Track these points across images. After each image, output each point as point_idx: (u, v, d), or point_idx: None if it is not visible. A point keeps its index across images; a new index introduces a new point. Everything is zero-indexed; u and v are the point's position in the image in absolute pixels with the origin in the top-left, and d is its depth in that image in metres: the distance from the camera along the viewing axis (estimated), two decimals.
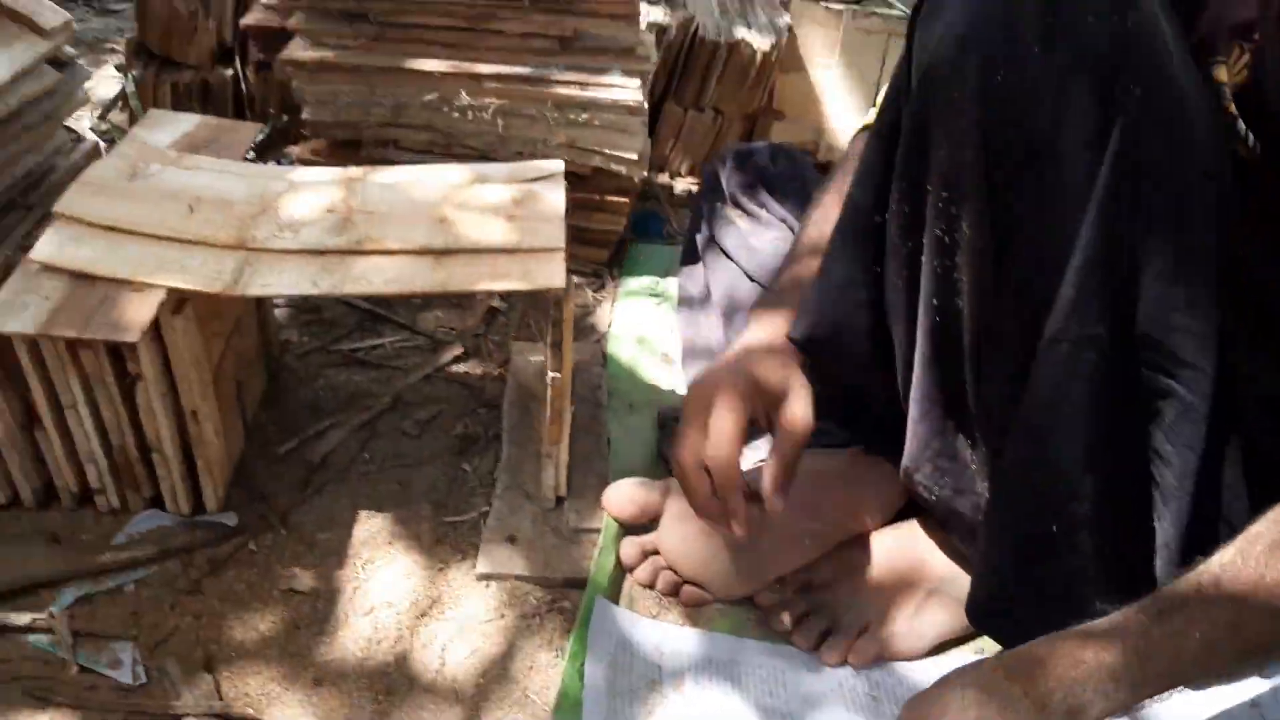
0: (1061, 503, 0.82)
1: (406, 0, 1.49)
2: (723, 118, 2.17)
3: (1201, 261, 0.77)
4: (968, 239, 0.80)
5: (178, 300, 1.02)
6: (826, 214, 1.08)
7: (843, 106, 2.20)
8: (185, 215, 1.08)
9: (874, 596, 1.08)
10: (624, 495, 1.19)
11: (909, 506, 1.14)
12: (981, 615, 0.96)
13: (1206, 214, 0.77)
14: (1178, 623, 0.73)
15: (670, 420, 1.41)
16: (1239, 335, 0.80)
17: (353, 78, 1.52)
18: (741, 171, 1.68)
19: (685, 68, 2.09)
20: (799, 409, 0.97)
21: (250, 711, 0.99)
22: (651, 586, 1.16)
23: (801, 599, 1.11)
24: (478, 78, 1.52)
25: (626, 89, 1.55)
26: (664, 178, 2.20)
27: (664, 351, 1.61)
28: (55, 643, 1.04)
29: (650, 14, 1.98)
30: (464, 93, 1.52)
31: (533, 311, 1.65)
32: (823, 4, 2.22)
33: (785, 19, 2.17)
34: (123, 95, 1.90)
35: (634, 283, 1.78)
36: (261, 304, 1.34)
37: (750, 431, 1.32)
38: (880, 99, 1.19)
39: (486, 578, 1.15)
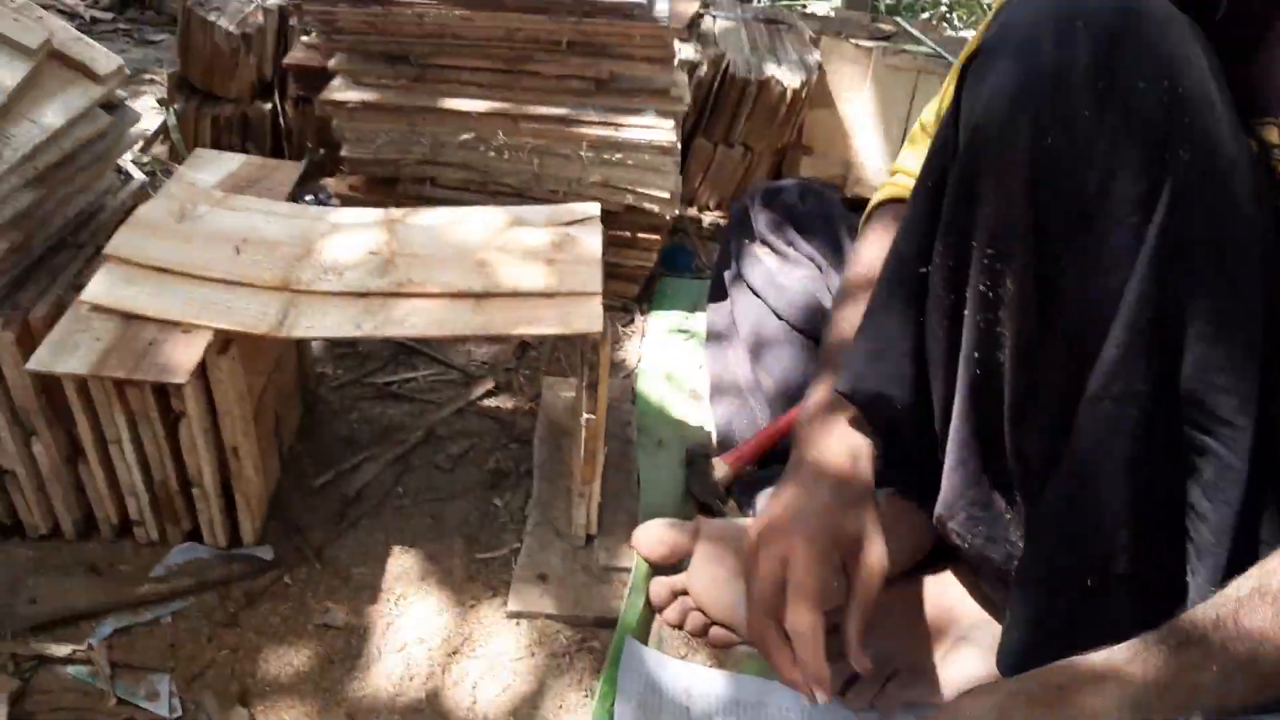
0: (1099, 557, 0.83)
1: (446, 42, 1.52)
2: (752, 153, 2.19)
3: (1245, 322, 0.78)
4: (1012, 294, 0.82)
5: (224, 340, 1.04)
6: (855, 299, 1.10)
7: (871, 142, 2.22)
8: (232, 257, 1.10)
9: (903, 642, 1.09)
10: (654, 536, 1.20)
11: (937, 551, 1.15)
12: (1012, 665, 0.96)
13: (1251, 275, 0.78)
14: (1195, 655, 0.74)
15: (699, 457, 1.42)
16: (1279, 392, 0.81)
17: (392, 117, 1.55)
18: (770, 209, 1.70)
19: (715, 104, 2.12)
20: (877, 558, 0.96)
21: None
22: (680, 627, 1.17)
23: (830, 643, 1.11)
24: (515, 118, 1.54)
25: (660, 130, 1.57)
26: (692, 211, 2.22)
27: (692, 388, 1.62)
28: (94, 674, 1.06)
29: (681, 51, 2.01)
30: (501, 133, 1.54)
31: (563, 346, 1.67)
32: (852, 41, 2.24)
33: (815, 56, 2.20)
34: (164, 128, 1.94)
35: (663, 318, 1.80)
36: (301, 340, 1.36)
37: (760, 475, 1.34)
38: (903, 151, 1.21)
39: (517, 615, 1.16)
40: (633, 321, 1.80)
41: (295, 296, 1.08)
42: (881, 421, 1.00)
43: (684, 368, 1.67)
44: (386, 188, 1.65)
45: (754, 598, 0.96)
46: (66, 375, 0.98)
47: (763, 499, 1.29)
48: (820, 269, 1.60)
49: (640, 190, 1.63)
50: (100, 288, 1.03)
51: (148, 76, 2.53)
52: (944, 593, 1.11)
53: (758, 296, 1.61)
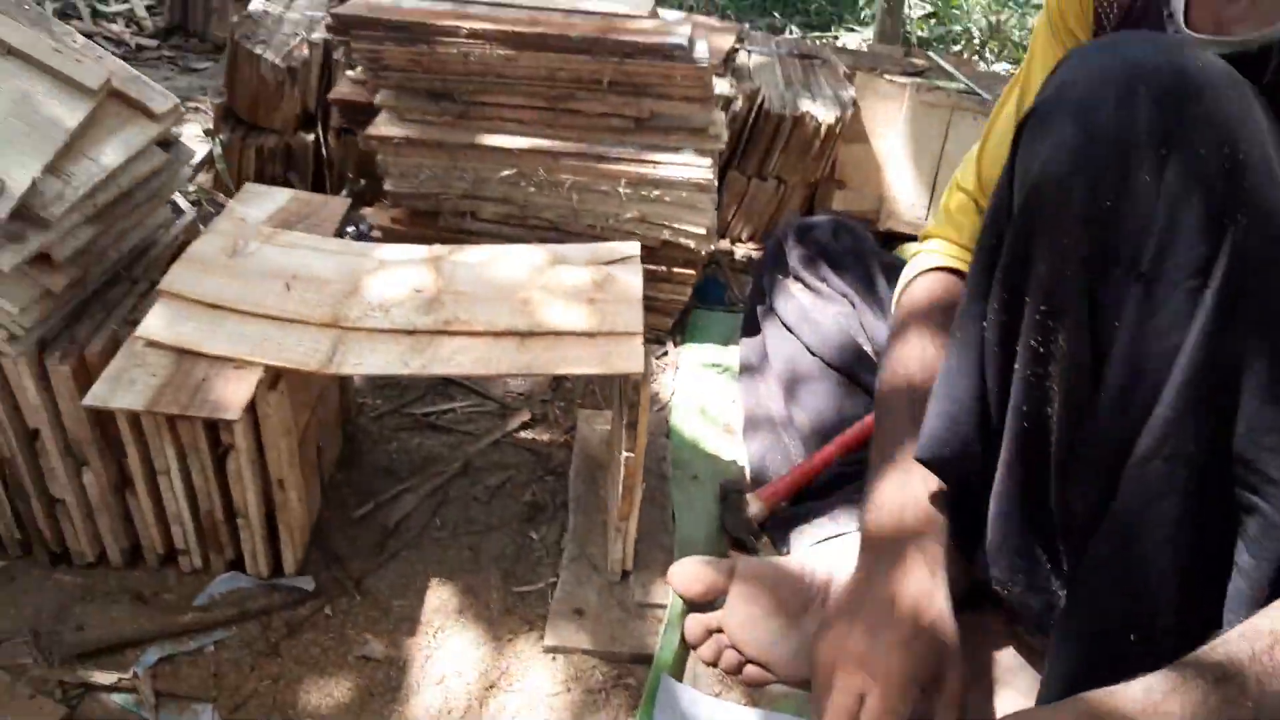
0: (1144, 613, 0.83)
1: (490, 81, 1.55)
2: (785, 186, 2.21)
3: None
4: (1064, 352, 0.83)
5: (273, 376, 1.06)
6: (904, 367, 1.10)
7: (905, 177, 2.23)
8: (282, 293, 1.13)
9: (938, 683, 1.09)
10: (690, 573, 1.21)
11: (972, 590, 1.15)
12: None
13: None
14: (1232, 691, 0.74)
15: (732, 493, 1.43)
16: None
17: (435, 153, 1.57)
18: (803, 245, 1.71)
19: (750, 138, 2.14)
20: (957, 686, 0.96)
21: None
22: (715, 664, 1.17)
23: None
24: (555, 155, 1.57)
25: (698, 167, 1.59)
26: (725, 243, 2.24)
27: (725, 422, 1.64)
28: (139, 703, 1.08)
29: (717, 86, 2.03)
30: (541, 169, 1.57)
31: (598, 379, 1.68)
32: (886, 77, 2.26)
33: (849, 91, 2.21)
34: (210, 158, 1.98)
35: (696, 351, 1.81)
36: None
37: (794, 512, 1.35)
38: (937, 215, 1.22)
39: (554, 650, 1.17)
40: (666, 354, 1.81)
41: (344, 333, 1.10)
42: (955, 481, 1.00)
43: (718, 402, 1.68)
44: (427, 220, 1.67)
45: None
46: (122, 410, 1.01)
47: (796, 537, 1.30)
48: (853, 305, 1.61)
49: (677, 226, 1.65)
50: (155, 324, 1.06)
51: (192, 104, 2.58)
52: (981, 636, 1.11)
53: (791, 332, 1.62)
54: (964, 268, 1.16)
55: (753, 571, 1.19)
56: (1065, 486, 0.88)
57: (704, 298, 1.99)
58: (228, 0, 2.99)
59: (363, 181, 2.02)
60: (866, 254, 1.71)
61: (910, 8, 3.40)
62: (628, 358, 1.10)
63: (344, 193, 2.03)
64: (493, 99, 1.57)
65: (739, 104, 2.10)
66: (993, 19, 3.79)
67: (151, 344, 1.05)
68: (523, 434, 1.56)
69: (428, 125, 1.58)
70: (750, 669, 1.15)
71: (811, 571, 1.19)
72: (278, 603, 1.20)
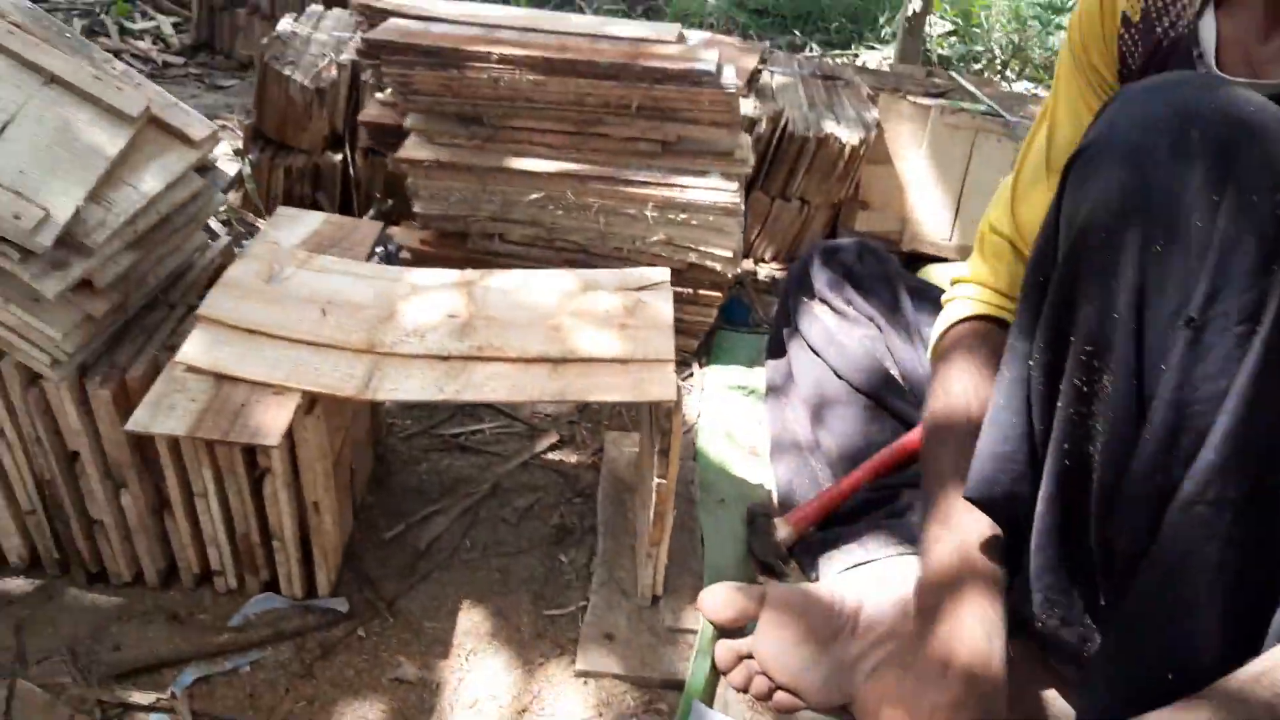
0: (1185, 654, 0.83)
1: (519, 105, 1.56)
2: (809, 207, 2.21)
3: None
4: (1108, 393, 0.83)
5: (310, 400, 1.08)
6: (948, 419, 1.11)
7: (928, 198, 2.23)
8: (318, 319, 1.14)
9: None
10: (721, 599, 1.21)
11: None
12: None
13: None
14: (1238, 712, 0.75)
15: (760, 517, 1.43)
16: None
17: (464, 176, 1.59)
18: (829, 268, 1.72)
19: (774, 159, 2.15)
20: None
21: None
22: (745, 691, 1.17)
23: None
24: (583, 178, 1.58)
25: (724, 191, 1.60)
26: (748, 264, 2.25)
27: (751, 445, 1.64)
28: None
29: (741, 108, 2.04)
30: (569, 192, 1.58)
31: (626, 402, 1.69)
32: (910, 99, 2.27)
33: (873, 113, 2.22)
34: (239, 177, 2.00)
35: (721, 372, 1.82)
36: None
37: (822, 538, 1.35)
38: (971, 259, 1.22)
39: (585, 675, 1.18)
40: (691, 375, 1.82)
41: (379, 359, 1.11)
42: (1004, 520, 1.00)
43: (743, 424, 1.69)
44: (455, 242, 1.69)
45: None
46: (162, 435, 1.02)
47: (825, 563, 1.30)
48: (879, 329, 1.61)
49: (703, 249, 1.66)
50: (194, 349, 1.07)
51: (219, 122, 2.61)
52: (1013, 665, 1.11)
53: (817, 355, 1.63)
54: (1000, 314, 1.16)
55: (783, 598, 1.19)
56: (1105, 525, 0.88)
57: (728, 318, 1.99)
58: (254, 19, 3.02)
59: (390, 201, 2.04)
60: (892, 277, 1.71)
61: (931, 25, 3.41)
62: (660, 385, 1.11)
63: (371, 212, 2.05)
64: (521, 123, 1.59)
65: (763, 125, 2.10)
66: (1014, 38, 3.79)
67: (191, 369, 1.06)
68: (551, 455, 1.57)
69: (457, 148, 1.59)
70: (780, 695, 1.15)
71: (841, 598, 1.19)
72: (312, 624, 1.21)
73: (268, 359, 1.09)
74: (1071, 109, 1.12)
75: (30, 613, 1.20)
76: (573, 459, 1.57)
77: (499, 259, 1.69)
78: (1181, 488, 0.82)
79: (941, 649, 0.95)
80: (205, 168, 1.25)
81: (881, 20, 3.89)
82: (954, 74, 2.63)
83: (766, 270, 2.25)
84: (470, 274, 1.28)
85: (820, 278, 1.70)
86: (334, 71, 1.98)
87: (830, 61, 3.23)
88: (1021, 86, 3.44)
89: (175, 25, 3.25)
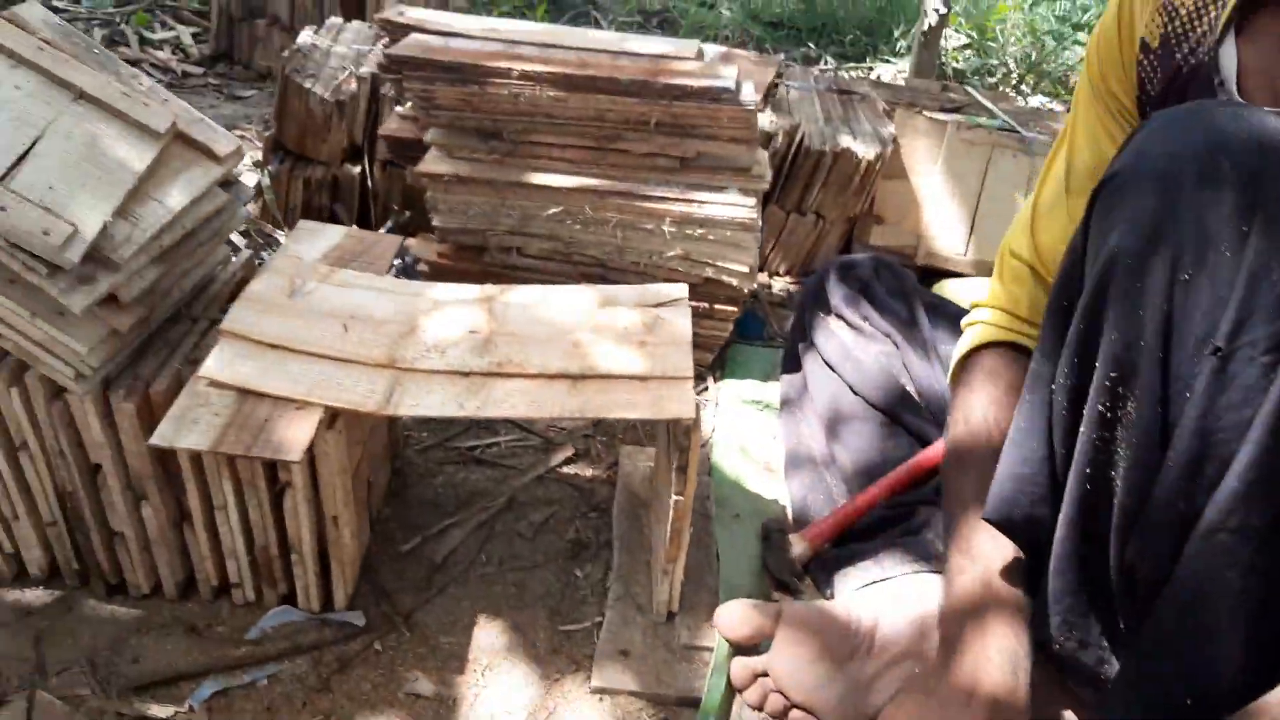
0: (1205, 680, 0.83)
1: (538, 121, 1.57)
2: (824, 221, 2.22)
3: None
4: (1132, 419, 0.83)
5: (331, 415, 1.08)
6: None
7: (944, 214, 2.23)
8: (340, 334, 1.15)
9: None
10: (737, 617, 1.21)
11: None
12: None
13: None
14: None
15: (775, 533, 1.43)
16: None
17: (483, 190, 1.60)
18: (845, 283, 1.72)
19: (789, 173, 2.15)
20: None
21: None
22: (761, 708, 1.17)
23: None
24: (601, 193, 1.59)
25: (742, 207, 1.60)
26: (763, 277, 2.25)
27: (766, 460, 1.64)
28: None
29: (758, 124, 2.05)
30: (587, 207, 1.59)
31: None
32: (926, 114, 2.27)
33: (889, 128, 2.22)
34: (258, 188, 2.01)
35: (736, 386, 1.82)
36: None
37: (838, 554, 1.35)
38: (992, 283, 1.22)
39: (601, 692, 1.18)
40: (706, 389, 1.82)
41: (400, 375, 1.12)
42: (1024, 542, 1.00)
43: (758, 439, 1.69)
44: (473, 255, 1.69)
45: None
46: (186, 450, 1.03)
47: (841, 580, 1.30)
48: (896, 345, 1.61)
49: (720, 264, 1.66)
50: (217, 364, 1.08)
51: (237, 133, 2.62)
52: (1030, 686, 1.11)
53: (833, 370, 1.63)
54: (1020, 340, 1.16)
55: (799, 616, 1.19)
56: (1126, 550, 0.88)
57: (743, 332, 1.99)
58: (273, 30, 3.04)
59: (407, 213, 2.05)
60: (909, 293, 1.71)
61: (946, 39, 3.41)
62: (679, 402, 1.11)
63: (389, 224, 2.06)
64: (541, 138, 1.60)
65: (779, 139, 2.11)
66: (1030, 52, 3.79)
67: (214, 383, 1.07)
68: (566, 469, 1.57)
69: (477, 163, 1.60)
70: (796, 714, 1.15)
71: (858, 617, 1.19)
72: (329, 638, 1.22)
73: (290, 374, 1.09)
74: (1090, 133, 1.12)
75: (50, 624, 1.21)
76: (588, 473, 1.57)
77: (516, 272, 1.70)
78: (1204, 515, 0.82)
79: (966, 679, 0.95)
80: (229, 182, 1.26)
81: (896, 33, 3.89)
82: (969, 89, 2.63)
83: (781, 284, 2.25)
84: (490, 289, 1.29)
85: (836, 293, 1.70)
86: (353, 84, 1.99)
87: (846, 75, 3.24)
88: (1037, 101, 3.44)
89: (194, 35, 3.27)
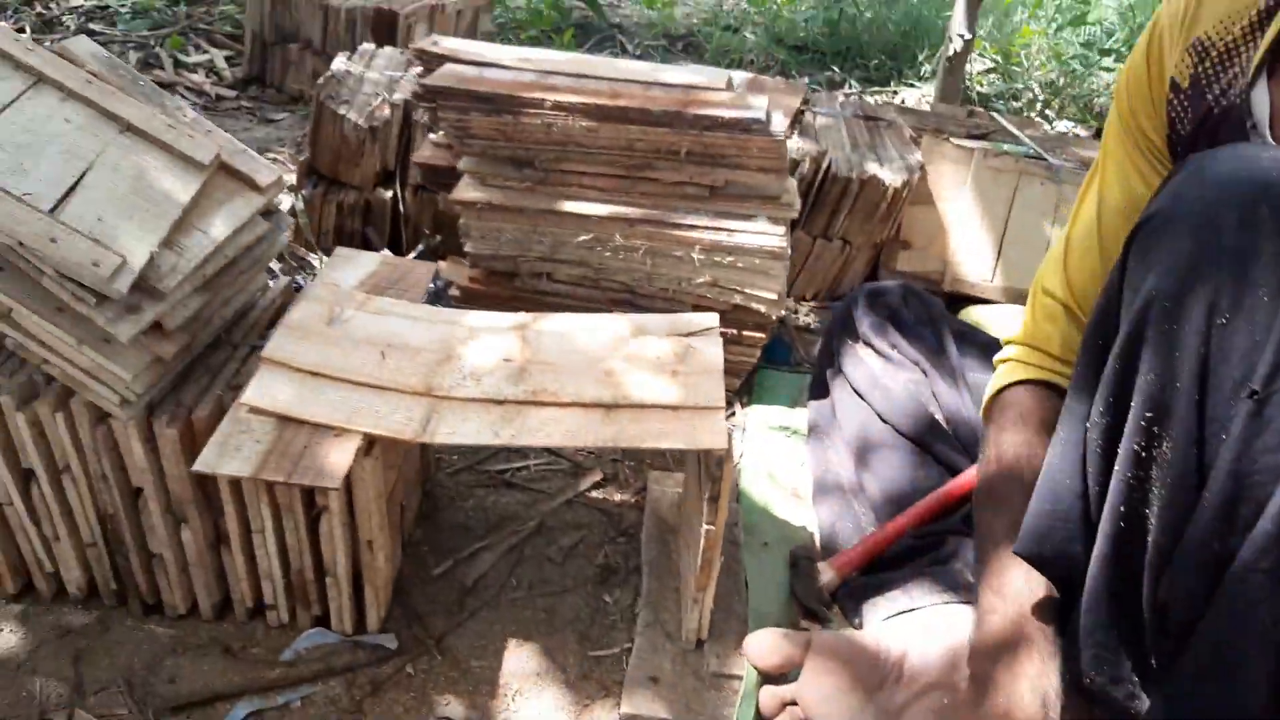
0: (1239, 719, 0.84)
1: (570, 150, 1.59)
2: (850, 247, 2.23)
3: None
4: (1167, 459, 0.84)
5: (369, 443, 1.10)
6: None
7: (971, 240, 2.24)
8: (378, 361, 1.17)
9: None
10: (766, 646, 1.22)
11: None
12: None
13: None
14: None
15: (803, 560, 1.44)
16: None
17: (516, 217, 1.62)
18: (873, 310, 1.73)
19: (816, 200, 2.16)
20: None
21: None
22: None
23: None
24: (631, 221, 1.60)
25: (771, 235, 1.61)
26: (789, 302, 2.26)
27: (794, 486, 1.65)
28: None
29: (788, 153, 2.06)
30: (618, 234, 1.60)
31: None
32: (953, 141, 2.28)
33: (916, 155, 2.23)
34: (292, 212, 2.04)
35: (763, 412, 1.83)
36: None
37: (866, 583, 1.35)
38: (1024, 321, 1.23)
39: (630, 718, 1.19)
40: (734, 415, 1.83)
41: (437, 402, 1.13)
42: (1056, 578, 1.01)
43: (786, 465, 1.70)
44: (504, 280, 1.71)
45: None
46: (229, 476, 1.05)
47: (869, 609, 1.31)
48: (925, 373, 1.62)
49: (748, 291, 1.68)
50: (258, 391, 1.10)
51: (270, 156, 2.66)
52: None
53: (861, 398, 1.64)
54: (1052, 378, 1.17)
55: (828, 645, 1.20)
56: (1158, 588, 0.89)
57: (770, 357, 2.00)
58: (305, 53, 3.09)
59: (438, 237, 2.08)
60: (937, 321, 1.72)
61: (970, 63, 3.42)
62: (712, 433, 1.12)
63: (420, 247, 2.08)
64: (572, 167, 1.62)
65: (805, 165, 2.12)
66: (1055, 77, 3.79)
67: (255, 410, 1.09)
68: (594, 493, 1.59)
69: (509, 191, 1.62)
70: None
71: (887, 647, 1.19)
72: (361, 660, 1.23)
73: (329, 401, 1.11)
74: (1120, 171, 1.13)
75: (88, 643, 1.23)
76: (616, 497, 1.58)
77: (546, 298, 1.71)
78: (1239, 555, 0.82)
79: (998, 713, 0.96)
80: (269, 211, 1.28)
81: (920, 57, 3.90)
82: (995, 114, 2.64)
83: (807, 309, 2.26)
84: (524, 317, 1.31)
85: (865, 320, 1.71)
86: (387, 110, 2.02)
87: (871, 101, 3.25)
88: (1063, 126, 3.44)
89: (228, 59, 3.32)
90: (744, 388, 1.89)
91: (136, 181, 1.11)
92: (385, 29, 2.97)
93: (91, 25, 3.46)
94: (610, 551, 1.46)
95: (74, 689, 1.17)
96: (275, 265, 2.01)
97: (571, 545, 1.47)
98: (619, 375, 1.19)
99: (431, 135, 1.85)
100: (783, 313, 1.81)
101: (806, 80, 3.72)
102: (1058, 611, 1.02)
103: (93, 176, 1.08)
